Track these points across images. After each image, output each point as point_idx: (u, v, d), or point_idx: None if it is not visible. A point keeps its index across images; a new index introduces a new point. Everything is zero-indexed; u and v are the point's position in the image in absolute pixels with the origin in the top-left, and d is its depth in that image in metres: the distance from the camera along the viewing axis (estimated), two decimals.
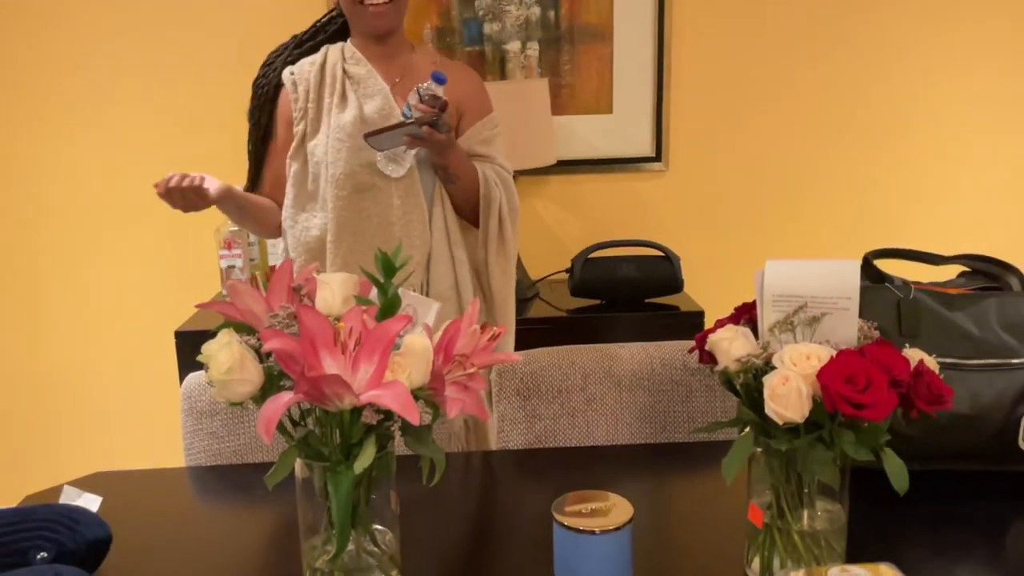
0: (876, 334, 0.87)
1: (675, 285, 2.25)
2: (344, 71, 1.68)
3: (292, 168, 1.67)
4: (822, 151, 2.54)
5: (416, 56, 1.74)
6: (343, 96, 1.66)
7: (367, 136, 1.55)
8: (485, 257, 1.72)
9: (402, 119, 1.55)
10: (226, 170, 2.45)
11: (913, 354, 0.86)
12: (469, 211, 1.70)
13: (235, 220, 1.70)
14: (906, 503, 1.08)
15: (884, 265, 1.20)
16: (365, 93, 1.66)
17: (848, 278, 0.86)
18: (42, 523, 0.93)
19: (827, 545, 0.89)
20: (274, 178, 1.73)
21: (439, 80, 1.52)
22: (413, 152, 1.63)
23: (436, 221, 1.68)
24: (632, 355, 1.45)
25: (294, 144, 1.67)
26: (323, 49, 1.72)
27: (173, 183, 1.47)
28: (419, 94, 1.52)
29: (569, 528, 0.90)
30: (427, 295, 1.68)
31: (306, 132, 1.67)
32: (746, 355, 0.86)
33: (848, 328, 0.87)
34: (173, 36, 2.39)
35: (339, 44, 1.72)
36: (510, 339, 1.80)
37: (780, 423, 0.81)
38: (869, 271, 1.18)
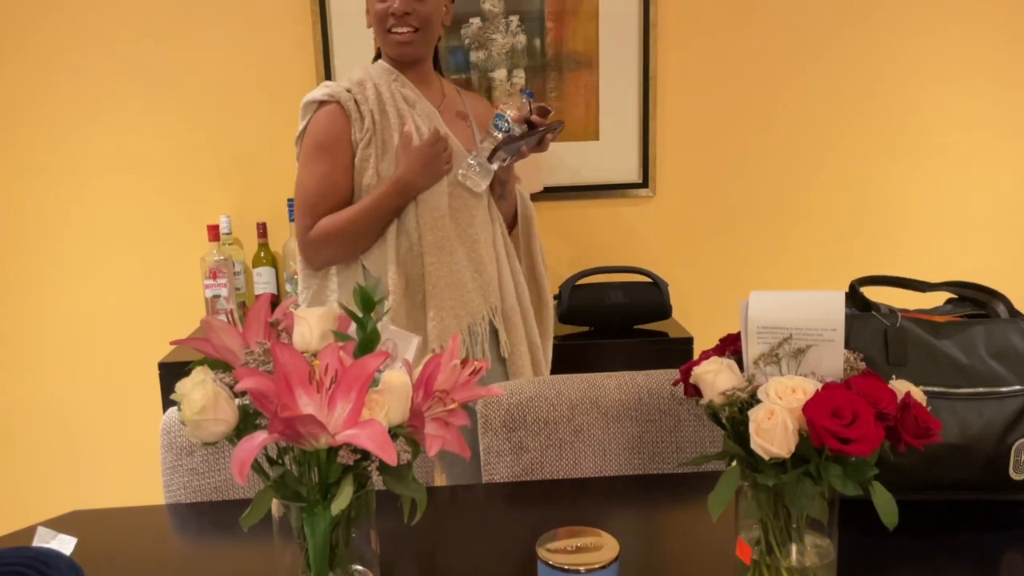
0: (862, 365, 0.86)
1: (664, 311, 2.24)
2: (400, 93, 1.69)
3: (361, 191, 1.65)
4: (809, 178, 2.54)
5: (445, 83, 1.82)
6: (400, 116, 1.67)
7: (499, 147, 1.65)
8: (527, 270, 1.88)
9: (500, 135, 1.65)
10: (214, 190, 2.44)
11: (900, 386, 0.84)
12: (505, 228, 1.83)
13: (377, 229, 1.64)
14: (897, 534, 1.06)
15: (871, 292, 1.19)
16: (419, 114, 1.69)
17: (833, 309, 0.85)
18: (11, 569, 0.90)
19: None
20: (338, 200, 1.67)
21: (531, 95, 1.70)
22: (495, 167, 1.70)
23: (497, 237, 1.78)
24: (619, 385, 1.44)
25: (369, 165, 1.64)
26: (363, 69, 1.72)
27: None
28: (528, 106, 1.67)
29: (554, 567, 0.88)
30: (501, 310, 1.77)
31: (374, 153, 1.65)
32: (731, 388, 0.85)
33: (834, 360, 0.85)
34: (162, 60, 2.39)
35: (380, 63, 1.73)
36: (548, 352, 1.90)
37: (766, 458, 0.80)
38: (856, 299, 1.17)
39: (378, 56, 1.78)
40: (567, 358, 2.17)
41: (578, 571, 0.88)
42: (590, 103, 2.46)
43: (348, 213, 1.63)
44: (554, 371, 1.95)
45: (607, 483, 1.26)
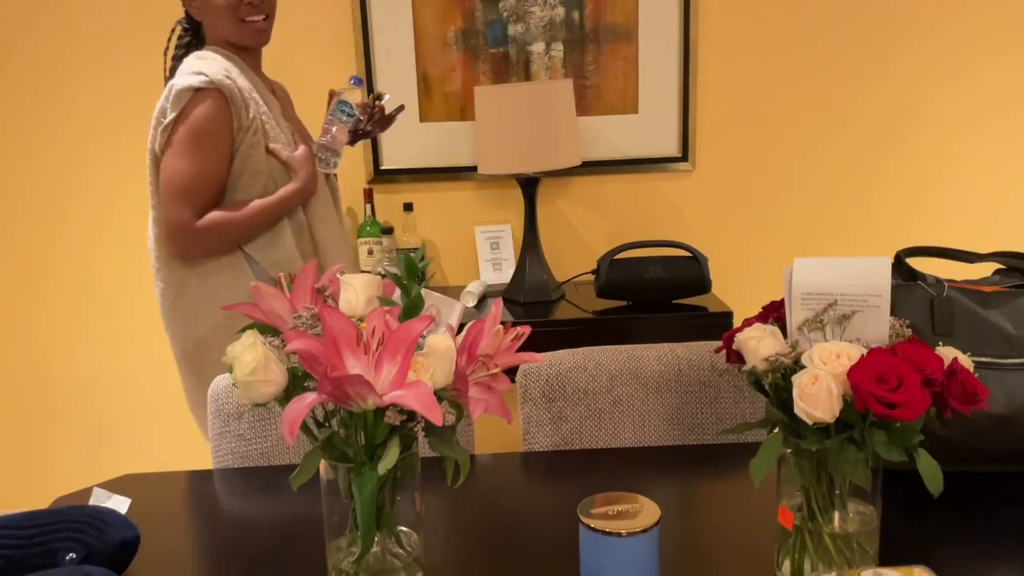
0: (908, 332, 0.85)
1: (703, 286, 2.23)
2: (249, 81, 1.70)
3: (245, 178, 1.66)
4: (851, 149, 2.50)
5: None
6: (268, 106, 1.71)
7: (360, 135, 1.88)
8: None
9: (347, 120, 1.81)
10: None
11: (947, 352, 0.84)
12: None
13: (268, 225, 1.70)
14: (939, 506, 1.05)
15: (916, 264, 1.18)
16: (266, 103, 1.71)
17: (879, 275, 0.84)
18: (71, 524, 0.94)
19: (859, 547, 0.87)
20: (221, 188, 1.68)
21: (361, 81, 1.90)
22: (340, 148, 1.83)
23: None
24: (659, 356, 1.44)
25: (255, 153, 1.65)
26: (210, 57, 1.66)
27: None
28: (361, 92, 1.92)
29: (596, 530, 0.89)
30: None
31: (260, 142, 1.66)
32: (774, 354, 0.85)
33: (879, 326, 0.85)
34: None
35: (221, 52, 1.69)
36: None
37: (810, 423, 0.80)
38: (901, 269, 1.16)
39: (194, 42, 1.74)
40: (604, 332, 2.17)
41: (619, 535, 0.89)
42: (629, 76, 2.44)
43: (249, 211, 1.64)
44: (592, 344, 1.95)
45: (646, 453, 1.27)
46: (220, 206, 1.65)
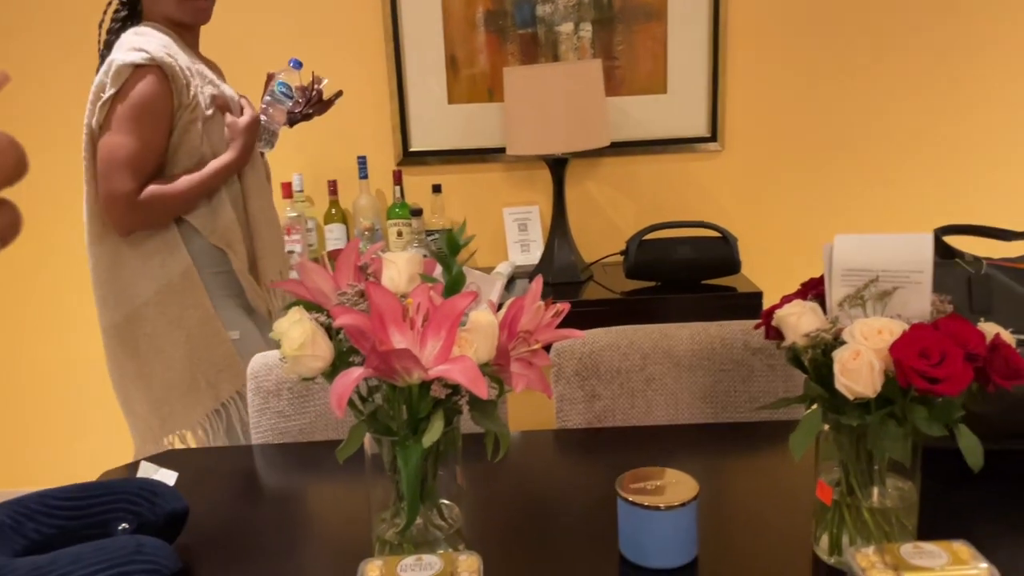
0: (950, 308, 0.85)
1: (732, 266, 2.23)
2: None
3: (181, 153, 1.65)
4: (882, 130, 2.48)
5: None
6: (211, 84, 1.70)
7: (299, 117, 1.95)
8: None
9: (286, 101, 1.84)
10: (287, 149, 2.49)
11: (988, 328, 0.84)
12: None
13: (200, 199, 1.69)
14: (978, 482, 1.05)
15: (953, 243, 1.17)
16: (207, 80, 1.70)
17: (921, 251, 0.84)
18: (123, 496, 0.96)
19: (898, 522, 0.87)
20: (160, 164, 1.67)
21: (299, 64, 1.94)
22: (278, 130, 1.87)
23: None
24: (692, 335, 1.44)
25: (196, 129, 1.65)
26: (148, 32, 1.64)
27: None
28: (299, 74, 1.93)
29: (635, 504, 0.90)
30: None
31: (200, 118, 1.65)
32: (815, 330, 0.85)
33: (921, 302, 0.85)
34: (234, 22, 2.43)
35: (159, 27, 1.67)
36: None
37: (851, 398, 0.80)
38: (938, 247, 1.15)
39: (131, 16, 1.71)
40: (633, 313, 2.18)
41: (658, 508, 0.90)
42: (658, 56, 2.43)
43: (188, 181, 1.63)
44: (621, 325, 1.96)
45: (679, 430, 1.28)
46: (156, 181, 1.63)
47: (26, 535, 0.91)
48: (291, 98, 1.85)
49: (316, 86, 1.98)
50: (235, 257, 1.68)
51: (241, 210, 1.74)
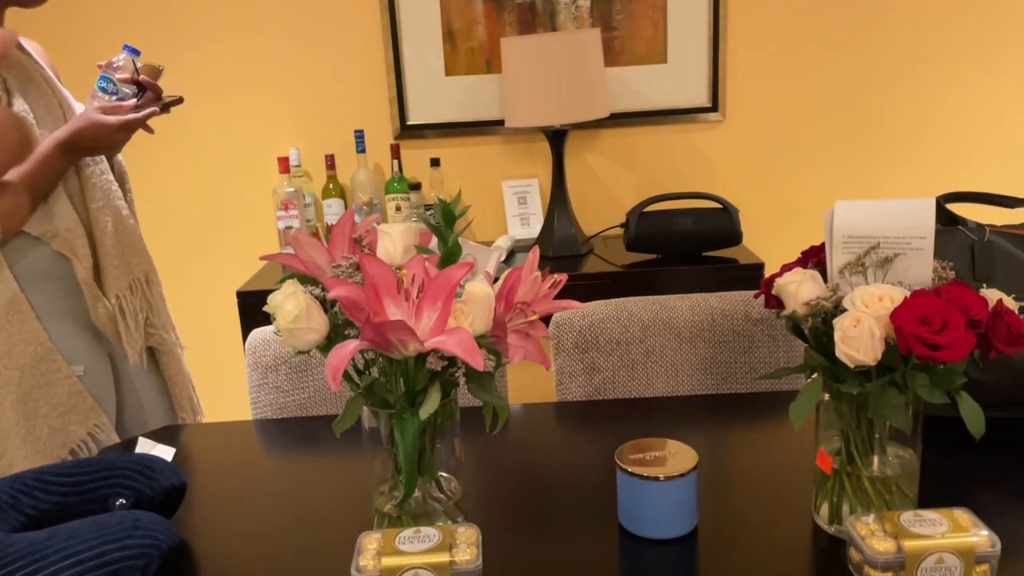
0: (951, 274, 0.84)
1: (734, 237, 2.21)
2: None
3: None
4: (884, 98, 2.45)
5: None
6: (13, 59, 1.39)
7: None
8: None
9: (110, 98, 1.46)
10: (284, 123, 2.47)
11: (991, 294, 0.83)
12: None
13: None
14: (979, 450, 1.05)
15: (956, 210, 1.16)
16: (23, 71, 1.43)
17: (923, 216, 0.83)
18: (121, 471, 0.96)
19: (898, 491, 0.87)
20: None
21: (137, 52, 1.48)
22: None
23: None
24: (692, 306, 1.43)
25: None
26: None
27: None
28: (134, 64, 1.45)
29: (634, 475, 0.90)
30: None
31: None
32: (815, 298, 0.84)
33: (922, 268, 0.84)
34: None
35: None
36: None
37: (851, 366, 0.80)
38: (941, 214, 1.14)
39: None
40: (634, 285, 2.17)
41: (657, 479, 0.89)
42: (658, 24, 2.40)
43: (25, 168, 1.33)
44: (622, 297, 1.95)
45: (679, 402, 1.27)
46: None
47: (23, 511, 0.91)
48: (116, 93, 1.49)
49: (137, 77, 1.50)
50: (79, 265, 1.39)
51: (82, 208, 1.44)
